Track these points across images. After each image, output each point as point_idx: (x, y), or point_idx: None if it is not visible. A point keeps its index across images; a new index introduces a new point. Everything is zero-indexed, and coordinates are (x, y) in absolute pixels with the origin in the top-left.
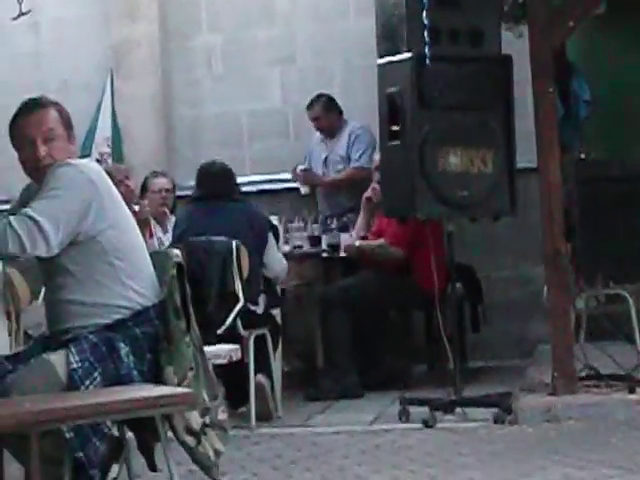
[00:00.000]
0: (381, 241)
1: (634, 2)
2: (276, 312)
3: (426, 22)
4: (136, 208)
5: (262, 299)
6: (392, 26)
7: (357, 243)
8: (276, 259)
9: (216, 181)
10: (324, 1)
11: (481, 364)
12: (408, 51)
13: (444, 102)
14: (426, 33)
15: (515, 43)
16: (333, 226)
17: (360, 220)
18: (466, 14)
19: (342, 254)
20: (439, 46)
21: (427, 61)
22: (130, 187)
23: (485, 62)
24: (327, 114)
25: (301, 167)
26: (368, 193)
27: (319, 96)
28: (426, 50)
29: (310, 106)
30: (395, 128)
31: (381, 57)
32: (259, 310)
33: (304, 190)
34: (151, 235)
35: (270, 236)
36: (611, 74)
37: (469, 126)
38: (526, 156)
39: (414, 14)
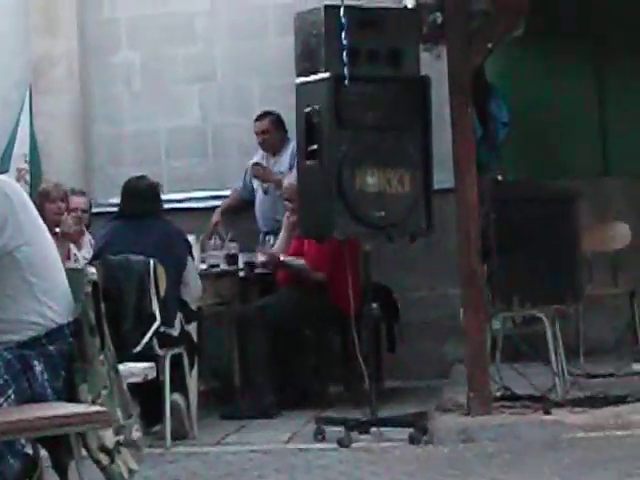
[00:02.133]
0: (304, 263)
1: (552, 24)
2: (192, 330)
3: (345, 42)
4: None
5: (178, 320)
6: (311, 46)
7: (282, 257)
8: (196, 281)
9: (140, 198)
10: (244, 19)
11: (397, 384)
12: (326, 71)
13: (362, 122)
14: (345, 53)
15: (434, 64)
16: (271, 243)
17: (280, 238)
18: (385, 35)
19: (260, 258)
20: (357, 66)
21: (345, 81)
22: (64, 207)
23: (403, 83)
24: (276, 130)
25: (252, 161)
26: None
27: (268, 112)
28: (344, 70)
29: (259, 119)
30: (313, 148)
31: (300, 76)
32: (175, 332)
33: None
34: (68, 252)
35: (189, 258)
36: (530, 96)
37: (387, 146)
38: (444, 177)
39: (333, 34)
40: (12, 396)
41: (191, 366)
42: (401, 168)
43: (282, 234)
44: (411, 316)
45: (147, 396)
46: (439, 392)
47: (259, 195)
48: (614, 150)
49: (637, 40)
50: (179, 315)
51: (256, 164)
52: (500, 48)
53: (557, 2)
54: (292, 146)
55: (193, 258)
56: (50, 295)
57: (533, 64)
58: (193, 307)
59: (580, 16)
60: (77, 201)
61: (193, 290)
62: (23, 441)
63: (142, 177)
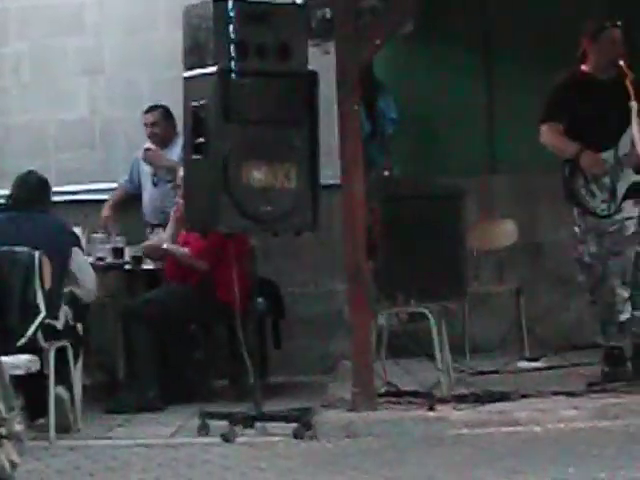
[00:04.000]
0: (187, 251)
1: (441, 22)
2: (78, 323)
3: (233, 36)
4: None
5: (63, 313)
6: (199, 39)
7: (165, 245)
8: (85, 273)
9: (29, 191)
10: (134, 12)
11: (283, 379)
12: (214, 65)
13: (249, 117)
14: (233, 47)
15: (325, 59)
16: (159, 236)
17: (167, 232)
18: (274, 29)
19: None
20: (245, 61)
21: (233, 75)
22: None
23: (291, 78)
24: (164, 122)
25: (146, 145)
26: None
27: (157, 105)
28: (232, 64)
29: (148, 111)
30: (199, 141)
31: (188, 70)
32: (59, 325)
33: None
34: None
35: (77, 250)
36: (418, 93)
37: (274, 141)
38: (331, 172)
39: (221, 28)
40: None
41: (76, 359)
42: (288, 163)
43: (170, 226)
44: (297, 311)
45: (31, 389)
46: (324, 388)
47: (148, 187)
48: (502, 148)
49: (525, 39)
50: (64, 308)
51: (148, 149)
52: (389, 45)
53: (447, 0)
54: (182, 139)
55: (82, 250)
56: None
57: (422, 61)
58: (88, 300)
59: (469, 14)
60: None
61: (87, 281)
62: None
63: (31, 171)
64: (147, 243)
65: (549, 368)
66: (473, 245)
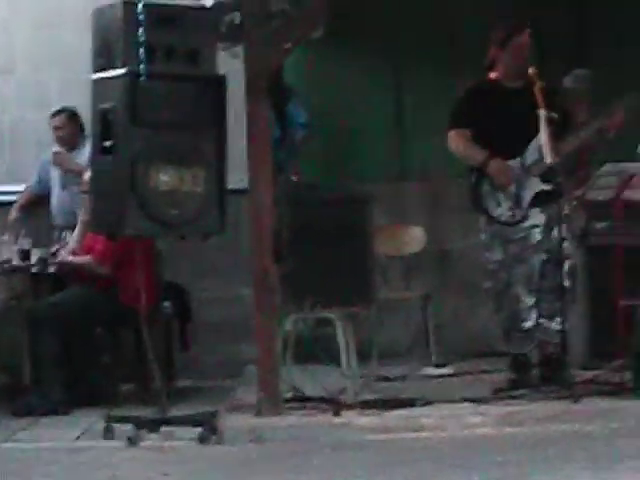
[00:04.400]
0: (88, 258)
1: (352, 27)
2: None
3: (142, 39)
4: None
5: None
6: (108, 41)
7: (70, 258)
8: None
9: None
10: (44, 12)
11: (190, 384)
12: (123, 67)
13: (157, 120)
14: (141, 50)
15: (234, 63)
16: (67, 240)
17: (75, 234)
18: (183, 33)
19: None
20: (154, 64)
21: (141, 78)
22: None
23: (200, 81)
24: (70, 125)
25: (54, 149)
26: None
27: (64, 108)
28: (141, 67)
29: (55, 114)
30: (107, 144)
31: (96, 72)
32: None
33: None
34: None
35: None
36: (329, 98)
37: (181, 144)
38: (240, 176)
39: (130, 30)
40: None
41: None
42: (195, 166)
43: (78, 228)
44: (205, 316)
45: None
46: (231, 392)
47: (56, 190)
48: (411, 154)
49: (434, 45)
50: None
51: (57, 152)
52: (300, 50)
53: (357, 5)
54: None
55: None
56: None
57: (332, 67)
58: None
59: (380, 20)
60: None
61: None
62: None
63: None
64: (58, 260)
65: (455, 374)
66: (381, 251)
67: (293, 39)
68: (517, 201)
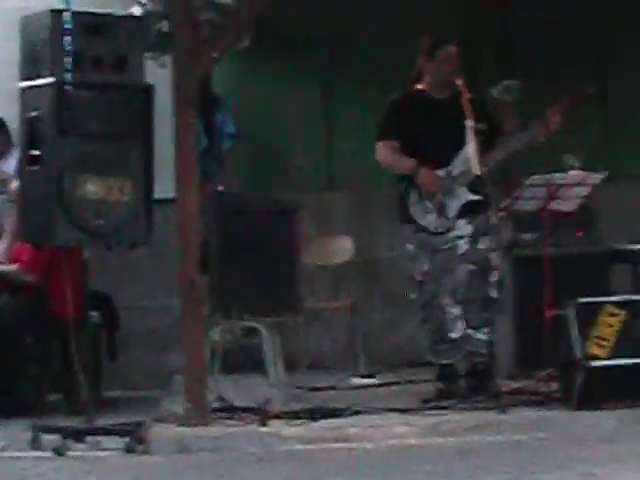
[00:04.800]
0: (15, 267)
1: (279, 38)
2: None
3: (69, 48)
4: None
5: None
6: (36, 50)
7: None
8: None
9: None
10: None
11: (117, 394)
12: (50, 76)
13: (84, 129)
14: (69, 59)
15: (162, 72)
16: None
17: (2, 243)
18: (110, 42)
19: None
20: (82, 72)
21: (69, 87)
22: None
23: (128, 90)
24: None
25: None
26: None
27: None
28: (68, 76)
29: None
30: (35, 153)
31: (24, 81)
32: None
33: None
34: None
35: None
36: (257, 108)
37: (109, 154)
38: (168, 186)
39: (57, 39)
40: None
41: None
42: (123, 176)
43: (5, 238)
44: (133, 325)
45: None
46: (158, 402)
47: None
48: (340, 164)
49: (365, 55)
50: None
51: None
52: (228, 59)
53: (287, 15)
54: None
55: None
56: None
57: (261, 76)
58: None
59: (309, 30)
60: None
61: None
62: None
63: None
64: None
65: (383, 385)
66: (309, 261)
67: (220, 49)
68: (444, 211)
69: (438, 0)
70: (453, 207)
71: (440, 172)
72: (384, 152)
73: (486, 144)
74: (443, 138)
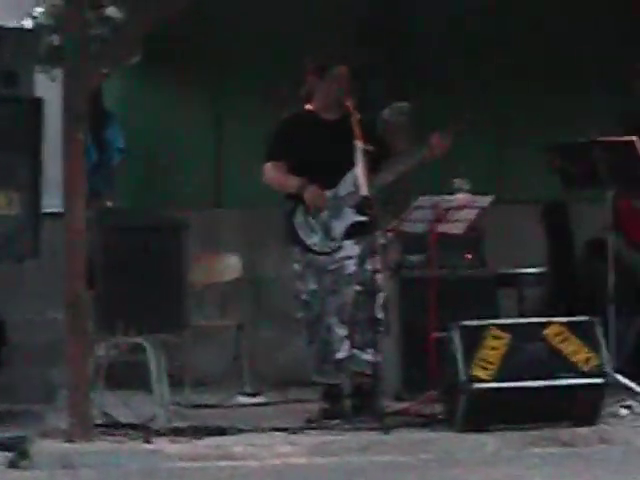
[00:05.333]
0: None
1: (170, 54)
2: None
3: None
4: None
5: None
6: None
7: None
8: None
9: None
10: None
11: (3, 407)
12: None
13: None
14: None
15: (53, 86)
16: None
17: None
18: (1, 55)
19: None
20: None
21: None
22: None
23: (17, 103)
24: None
25: None
26: None
27: None
28: None
29: None
30: None
31: None
32: None
33: None
34: None
35: None
36: (147, 124)
37: None
38: (58, 200)
39: None
40: None
41: None
42: (10, 189)
43: None
44: (20, 339)
45: None
46: (43, 417)
47: None
48: (229, 182)
49: (256, 73)
50: None
51: None
52: (119, 74)
53: (179, 32)
54: None
55: None
56: None
57: (152, 92)
58: None
59: (199, 46)
60: None
61: None
62: None
63: None
64: None
65: (268, 404)
66: (196, 278)
67: (110, 63)
68: (330, 232)
69: (329, 20)
70: (339, 228)
71: (327, 192)
72: (271, 173)
73: (375, 165)
74: (331, 159)
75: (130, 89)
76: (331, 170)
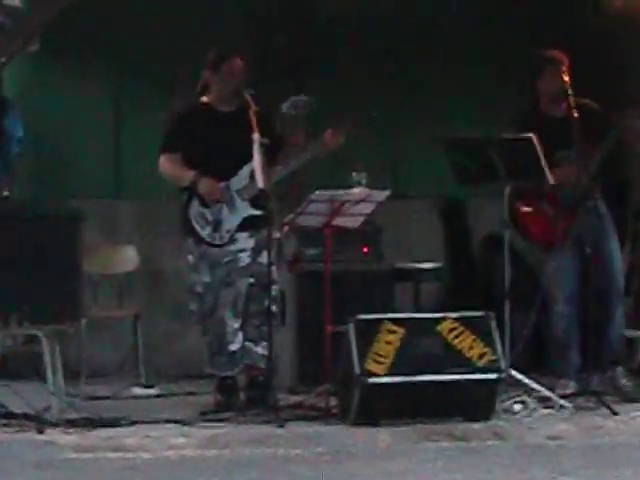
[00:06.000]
0: None
1: (72, 43)
2: None
3: None
4: None
5: None
6: None
7: None
8: None
9: None
10: None
11: None
12: None
13: None
14: None
15: None
16: None
17: None
18: None
19: None
20: None
21: None
22: None
23: None
24: None
25: None
26: None
27: None
28: None
29: None
30: None
31: None
32: None
33: None
34: None
35: None
36: (46, 113)
37: None
38: None
39: None
40: None
41: None
42: None
43: None
44: None
45: None
46: None
47: None
48: (127, 173)
49: (156, 64)
50: None
51: None
52: (18, 63)
53: (79, 21)
54: None
55: None
56: None
57: (51, 80)
58: None
59: (99, 35)
60: None
61: None
62: None
63: None
64: None
65: (163, 395)
66: (93, 269)
67: (9, 53)
68: (224, 224)
69: (229, 15)
70: (235, 220)
71: (222, 185)
72: (166, 165)
73: (272, 158)
74: (227, 151)
75: (29, 78)
76: (226, 163)
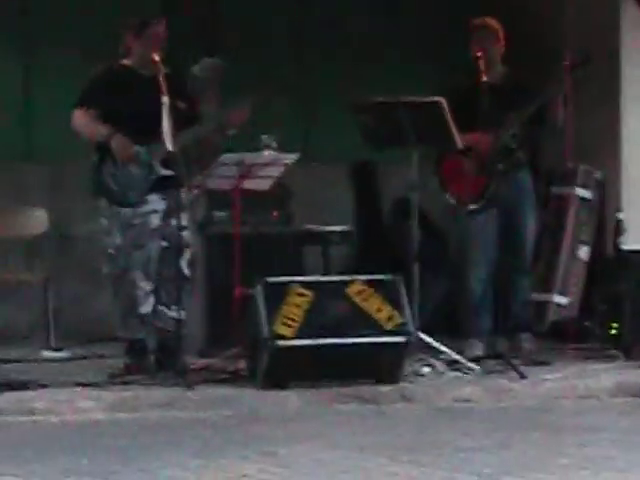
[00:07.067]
0: None
1: None
2: None
3: None
4: None
5: None
6: None
7: None
8: None
9: None
10: None
11: None
12: None
13: None
14: None
15: None
16: None
17: None
18: None
19: None
20: None
21: None
22: None
23: None
24: None
25: None
26: None
27: None
28: None
29: None
30: None
31: None
32: None
33: None
34: None
35: None
36: None
37: None
38: None
39: None
40: None
41: None
42: None
43: None
44: None
45: None
46: None
47: None
48: (38, 134)
49: (66, 25)
50: None
51: None
52: None
53: None
54: None
55: None
56: None
57: None
58: None
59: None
60: None
61: None
62: None
63: None
64: None
65: (72, 359)
66: (2, 232)
67: None
68: (136, 184)
69: None
70: (145, 181)
71: (138, 147)
72: (80, 119)
73: (183, 121)
74: (143, 113)
75: None
76: (141, 124)
